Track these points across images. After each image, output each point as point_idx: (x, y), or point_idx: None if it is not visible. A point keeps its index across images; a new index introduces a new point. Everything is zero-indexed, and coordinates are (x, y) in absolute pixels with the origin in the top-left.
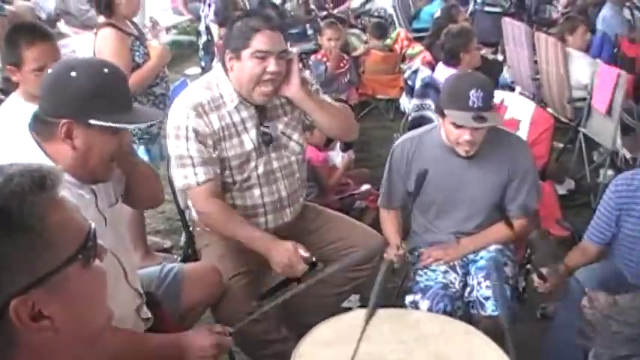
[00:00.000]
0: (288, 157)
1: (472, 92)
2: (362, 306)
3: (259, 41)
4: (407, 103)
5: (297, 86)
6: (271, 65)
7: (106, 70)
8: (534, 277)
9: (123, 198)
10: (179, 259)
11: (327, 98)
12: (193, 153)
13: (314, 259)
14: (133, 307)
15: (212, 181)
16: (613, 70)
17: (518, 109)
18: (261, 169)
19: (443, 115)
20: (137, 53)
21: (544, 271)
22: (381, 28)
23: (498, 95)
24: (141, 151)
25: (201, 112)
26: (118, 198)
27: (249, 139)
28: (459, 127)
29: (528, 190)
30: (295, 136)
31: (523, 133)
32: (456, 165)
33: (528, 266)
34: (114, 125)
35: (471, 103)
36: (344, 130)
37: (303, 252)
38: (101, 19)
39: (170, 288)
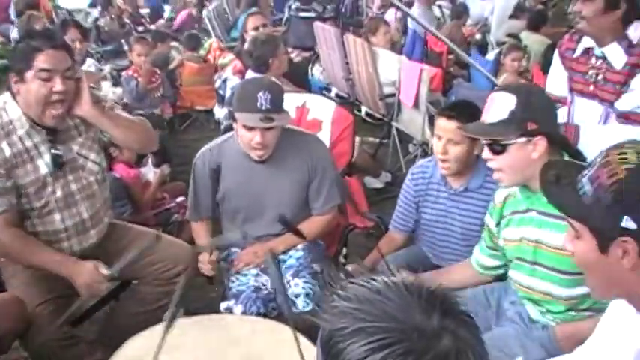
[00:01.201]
0: (86, 179)
1: (260, 94)
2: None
3: (42, 61)
4: (220, 113)
5: (88, 104)
6: (57, 85)
7: None
8: (341, 274)
9: None
10: None
11: (123, 113)
12: None
13: (117, 274)
14: None
15: (7, 212)
16: (416, 65)
17: (319, 110)
18: (59, 194)
19: (235, 120)
20: None
21: (350, 267)
22: (194, 40)
23: (300, 98)
24: None
25: None
26: None
27: (44, 164)
28: (249, 129)
29: (330, 187)
30: (92, 156)
31: (326, 132)
32: (256, 170)
33: (342, 259)
34: None
35: (259, 104)
36: (142, 142)
37: (104, 270)
38: None
39: None
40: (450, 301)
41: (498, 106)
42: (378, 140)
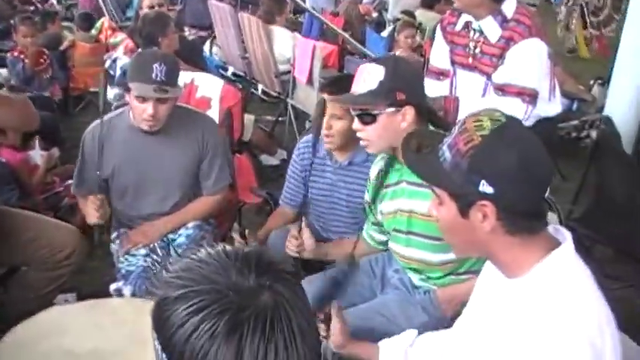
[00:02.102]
0: None
1: (155, 65)
2: None
3: None
4: (110, 94)
5: None
6: None
7: None
8: (236, 236)
9: None
10: None
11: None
12: None
13: None
14: None
15: None
16: (309, 42)
17: (208, 88)
18: None
19: (129, 91)
20: None
21: (247, 231)
22: (88, 19)
23: (188, 75)
24: None
25: None
26: None
27: None
28: (142, 101)
29: (220, 165)
30: None
31: (215, 110)
32: (147, 146)
33: (235, 235)
34: None
35: (154, 75)
36: (21, 121)
37: None
38: None
39: None
40: (266, 260)
41: (367, 77)
42: (274, 118)
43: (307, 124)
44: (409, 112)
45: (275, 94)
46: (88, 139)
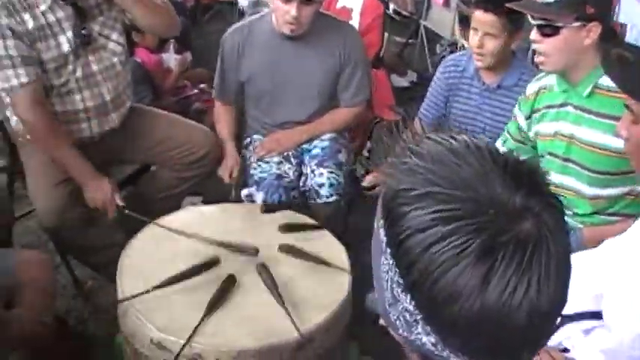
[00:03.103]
0: (109, 59)
1: None
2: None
3: None
4: (244, 1)
5: None
6: None
7: None
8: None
9: None
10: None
11: None
12: (12, 52)
13: (126, 210)
14: None
15: (35, 82)
16: None
17: None
18: (79, 73)
19: None
20: None
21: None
22: None
23: None
24: None
25: (12, 11)
26: None
27: (66, 41)
28: (287, 2)
29: (360, 78)
30: (114, 36)
31: (355, 21)
32: (287, 51)
33: (366, 154)
34: None
35: None
36: (164, 26)
37: (118, 200)
38: None
39: None
40: (539, 179)
41: None
42: (404, 40)
43: (438, 48)
44: (595, 29)
45: (407, 14)
46: (227, 43)
